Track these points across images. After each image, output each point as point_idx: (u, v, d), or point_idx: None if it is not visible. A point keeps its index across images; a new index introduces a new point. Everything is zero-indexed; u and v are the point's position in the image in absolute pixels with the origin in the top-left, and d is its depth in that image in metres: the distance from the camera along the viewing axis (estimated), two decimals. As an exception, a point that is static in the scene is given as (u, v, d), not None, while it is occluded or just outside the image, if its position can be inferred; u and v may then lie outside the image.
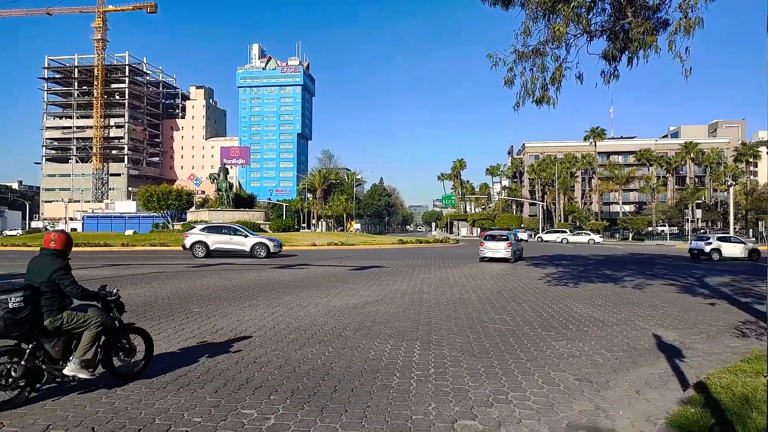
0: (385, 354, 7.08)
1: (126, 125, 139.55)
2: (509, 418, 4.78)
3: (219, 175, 53.41)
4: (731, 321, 9.90)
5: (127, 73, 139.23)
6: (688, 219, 71.30)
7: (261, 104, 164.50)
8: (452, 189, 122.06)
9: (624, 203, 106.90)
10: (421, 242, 52.05)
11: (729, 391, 4.96)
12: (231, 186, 56.02)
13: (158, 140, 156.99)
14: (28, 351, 4.86)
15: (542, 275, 18.81)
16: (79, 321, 5.14)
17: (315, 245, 40.79)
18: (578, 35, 9.60)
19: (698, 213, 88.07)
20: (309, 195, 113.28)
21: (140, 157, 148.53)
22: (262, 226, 50.25)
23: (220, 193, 52.89)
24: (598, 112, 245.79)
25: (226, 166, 61.80)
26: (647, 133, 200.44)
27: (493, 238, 27.25)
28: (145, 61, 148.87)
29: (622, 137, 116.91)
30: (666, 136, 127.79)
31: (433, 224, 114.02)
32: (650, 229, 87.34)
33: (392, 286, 14.93)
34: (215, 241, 27.26)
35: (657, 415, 4.81)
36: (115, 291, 5.52)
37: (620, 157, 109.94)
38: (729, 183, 58.46)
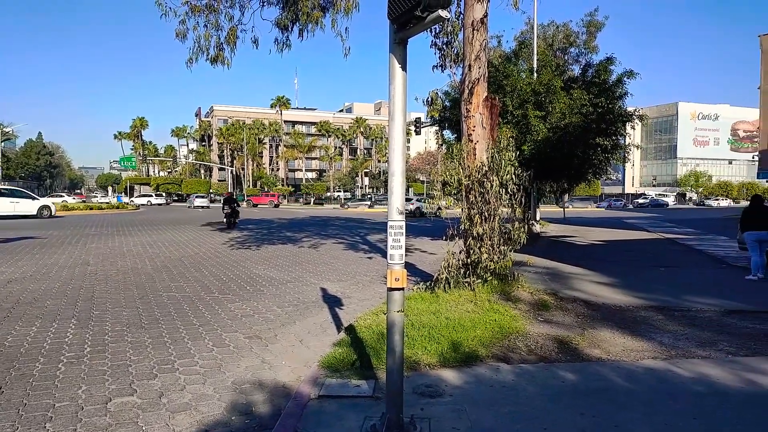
0: (27, 339, 5.96)
1: None
2: (172, 386, 4.61)
3: None
4: (382, 271, 11.70)
5: None
6: (358, 185, 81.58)
7: None
8: (132, 150, 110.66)
9: (307, 170, 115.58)
10: (92, 208, 45.93)
11: (370, 330, 5.84)
12: None
13: None
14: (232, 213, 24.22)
15: (227, 239, 18.83)
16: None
17: (-62, 214, 31.62)
18: (252, -2, 9.69)
19: (366, 180, 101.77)
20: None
21: None
22: None
23: None
24: (286, 82, 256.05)
25: None
26: (328, 106, 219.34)
27: (199, 197, 63.66)
28: None
29: (305, 108, 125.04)
30: (342, 110, 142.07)
31: (109, 188, 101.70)
32: (328, 194, 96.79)
33: (48, 259, 12.71)
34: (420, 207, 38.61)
35: (314, 359, 5.32)
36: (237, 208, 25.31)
37: (304, 126, 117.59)
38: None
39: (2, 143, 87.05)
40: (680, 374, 4.81)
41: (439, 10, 2.99)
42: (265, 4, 9.78)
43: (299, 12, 9.46)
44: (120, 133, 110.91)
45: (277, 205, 68.84)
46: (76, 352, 5.54)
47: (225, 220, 24.19)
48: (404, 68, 3.47)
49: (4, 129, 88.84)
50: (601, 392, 4.38)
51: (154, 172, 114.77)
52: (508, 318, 6.52)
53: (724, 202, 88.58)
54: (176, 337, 6.18)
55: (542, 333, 6.14)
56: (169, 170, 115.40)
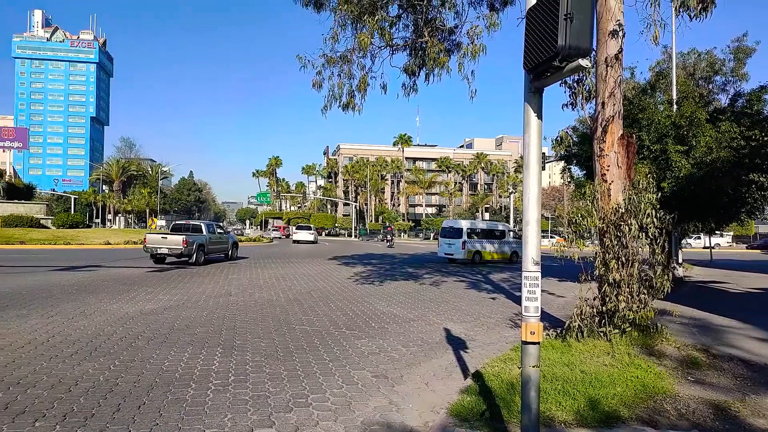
0: (181, 364, 6.61)
1: None
2: (307, 422, 4.81)
3: (-14, 160, 45.06)
4: (507, 313, 11.37)
5: None
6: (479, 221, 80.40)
7: (45, 80, 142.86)
8: (268, 186, 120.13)
9: (427, 205, 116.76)
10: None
11: (499, 379, 5.65)
12: (1, 174, 47.47)
13: None
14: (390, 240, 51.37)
15: (352, 274, 19.51)
16: None
17: (110, 244, 36.65)
18: (382, 47, 10.23)
19: (486, 215, 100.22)
20: (105, 187, 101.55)
21: None
22: (42, 222, 43.50)
23: (-13, 181, 44.58)
24: (408, 118, 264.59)
25: (-3, 150, 52.26)
26: (447, 142, 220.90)
27: (275, 229, 77.69)
28: None
29: (426, 145, 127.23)
30: (462, 146, 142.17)
31: (247, 222, 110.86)
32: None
33: (197, 288, 14.09)
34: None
35: (441, 404, 5.27)
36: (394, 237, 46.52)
37: (424, 163, 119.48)
38: (510, 191, 67.77)
39: (161, 181, 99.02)
40: None
41: (579, 60, 2.93)
42: (395, 52, 10.29)
43: (426, 57, 9.81)
44: (258, 171, 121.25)
45: (288, 236, 74.23)
46: (222, 380, 6.02)
47: (387, 245, 48.24)
48: (540, 117, 3.43)
49: (163, 168, 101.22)
50: (772, 473, 3.80)
51: (286, 206, 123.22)
52: (652, 375, 5.95)
53: None
54: (308, 371, 6.48)
55: (694, 395, 5.52)
56: (299, 205, 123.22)
